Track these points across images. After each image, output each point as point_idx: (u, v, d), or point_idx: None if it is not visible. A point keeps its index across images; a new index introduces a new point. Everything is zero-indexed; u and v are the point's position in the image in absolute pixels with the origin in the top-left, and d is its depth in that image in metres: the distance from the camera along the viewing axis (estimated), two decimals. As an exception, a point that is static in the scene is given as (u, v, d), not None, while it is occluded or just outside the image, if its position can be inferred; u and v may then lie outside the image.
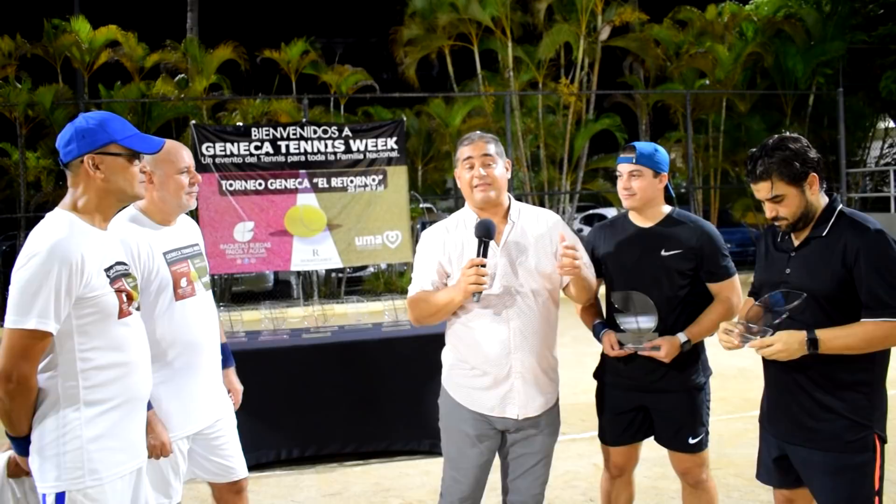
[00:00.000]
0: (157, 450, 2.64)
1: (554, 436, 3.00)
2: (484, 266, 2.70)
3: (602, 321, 3.28)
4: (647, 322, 3.06)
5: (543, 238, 2.91)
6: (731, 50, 15.21)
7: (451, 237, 2.91)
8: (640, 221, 3.21)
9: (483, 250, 2.75)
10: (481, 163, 2.86)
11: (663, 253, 3.11)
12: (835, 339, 2.50)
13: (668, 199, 3.26)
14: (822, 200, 2.65)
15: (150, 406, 2.63)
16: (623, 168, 3.16)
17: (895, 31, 15.98)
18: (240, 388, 3.23)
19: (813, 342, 2.49)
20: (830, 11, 15.89)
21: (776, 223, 2.65)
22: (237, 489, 3.07)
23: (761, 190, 2.62)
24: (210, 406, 2.94)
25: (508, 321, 2.83)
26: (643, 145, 3.17)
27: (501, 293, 2.82)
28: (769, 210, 2.63)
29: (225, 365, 3.16)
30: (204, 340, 2.89)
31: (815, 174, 2.60)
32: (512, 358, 2.83)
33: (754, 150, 2.66)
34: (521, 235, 2.89)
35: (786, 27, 15.31)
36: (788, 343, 2.50)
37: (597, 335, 3.23)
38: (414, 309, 2.93)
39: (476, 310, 2.83)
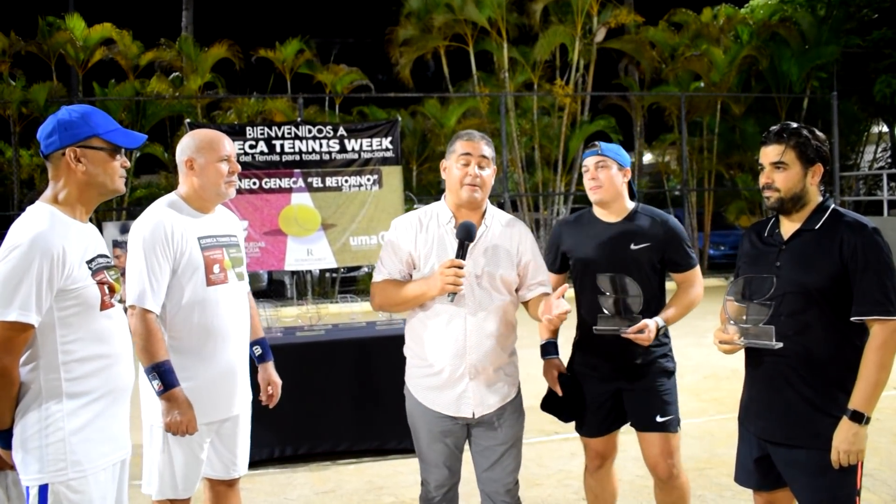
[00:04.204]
0: (182, 426, 2.63)
1: (518, 424, 3.01)
2: (462, 268, 2.73)
3: (553, 341, 3.24)
4: (633, 304, 3.08)
5: (511, 247, 2.95)
6: (726, 53, 15.26)
7: (424, 231, 2.93)
8: (606, 216, 3.26)
9: (462, 252, 2.77)
10: (478, 163, 2.87)
11: (633, 247, 3.17)
12: (866, 390, 2.47)
13: (632, 196, 3.32)
14: (817, 196, 2.66)
15: (177, 383, 2.65)
16: (589, 161, 3.24)
17: (889, 35, 16.05)
18: (278, 381, 3.24)
19: (860, 417, 2.46)
20: (825, 15, 15.97)
21: (766, 193, 2.65)
22: (231, 482, 3.06)
23: (770, 153, 2.63)
24: (235, 396, 2.94)
25: (466, 322, 2.85)
26: (606, 143, 3.28)
27: (464, 294, 2.84)
28: (766, 177, 2.64)
29: (264, 359, 3.18)
30: (232, 328, 2.89)
31: (821, 165, 2.63)
32: (466, 358, 2.85)
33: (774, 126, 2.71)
34: (491, 241, 2.92)
35: (781, 31, 15.37)
36: (849, 440, 2.48)
37: (543, 355, 3.21)
38: (380, 295, 2.95)
39: (436, 308, 2.86)
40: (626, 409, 3.26)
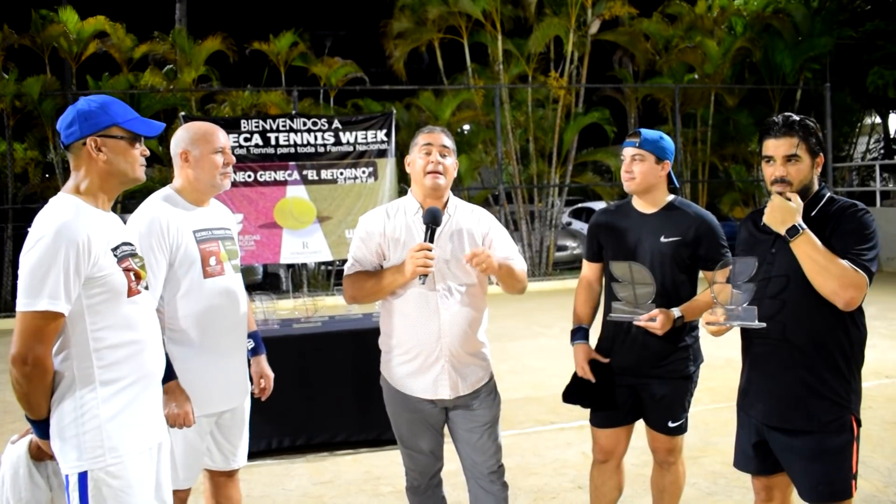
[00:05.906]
0: (180, 419, 2.70)
1: (495, 406, 3.11)
2: (430, 251, 2.82)
3: (583, 328, 3.34)
4: (645, 293, 3.10)
5: (475, 233, 3.05)
6: (720, 45, 15.27)
7: (391, 222, 3.02)
8: (643, 207, 3.27)
9: (430, 236, 2.87)
10: (439, 152, 2.98)
11: (662, 239, 3.17)
12: (821, 250, 2.49)
13: (672, 189, 3.31)
14: (815, 186, 2.71)
15: (174, 376, 2.70)
16: (626, 152, 3.23)
17: (882, 26, 16.09)
18: (271, 374, 3.28)
19: (795, 231, 2.52)
20: (818, 7, 15.98)
21: (777, 187, 2.63)
22: (230, 473, 3.12)
23: (783, 146, 2.61)
24: (234, 388, 2.99)
25: (439, 308, 2.94)
26: (649, 131, 3.24)
27: (434, 281, 2.93)
28: (778, 170, 2.62)
29: (256, 352, 3.22)
30: (230, 320, 2.94)
31: (822, 156, 2.67)
32: (441, 343, 2.94)
33: (776, 117, 2.69)
34: (456, 227, 3.02)
35: (774, 22, 15.39)
36: (779, 215, 2.55)
37: (572, 340, 3.30)
38: (352, 286, 3.03)
39: (409, 296, 2.95)
40: (642, 407, 3.30)
